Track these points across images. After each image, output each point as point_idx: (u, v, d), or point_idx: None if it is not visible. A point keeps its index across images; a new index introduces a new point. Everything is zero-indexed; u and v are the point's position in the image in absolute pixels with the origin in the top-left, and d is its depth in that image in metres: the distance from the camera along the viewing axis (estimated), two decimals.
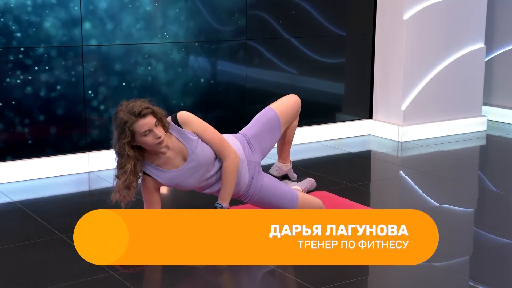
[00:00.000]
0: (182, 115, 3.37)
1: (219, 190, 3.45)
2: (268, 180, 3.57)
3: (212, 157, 3.39)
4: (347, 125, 5.83)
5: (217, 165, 3.41)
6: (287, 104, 3.79)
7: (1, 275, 3.10)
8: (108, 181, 4.53)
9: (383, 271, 3.20)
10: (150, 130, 3.18)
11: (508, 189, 4.47)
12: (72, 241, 3.43)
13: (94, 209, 4.01)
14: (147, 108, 3.19)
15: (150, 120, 3.18)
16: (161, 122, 3.24)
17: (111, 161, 4.74)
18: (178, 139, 3.33)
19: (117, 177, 3.26)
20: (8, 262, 3.23)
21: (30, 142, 4.54)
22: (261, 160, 3.64)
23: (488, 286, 2.97)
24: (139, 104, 3.20)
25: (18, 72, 4.43)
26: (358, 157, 5.28)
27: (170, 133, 3.33)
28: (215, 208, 3.41)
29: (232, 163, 3.39)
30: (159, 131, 3.21)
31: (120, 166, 3.25)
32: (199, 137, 3.37)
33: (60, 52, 4.53)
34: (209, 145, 3.38)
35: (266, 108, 3.75)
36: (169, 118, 3.36)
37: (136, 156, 3.25)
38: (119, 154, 3.25)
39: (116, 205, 3.38)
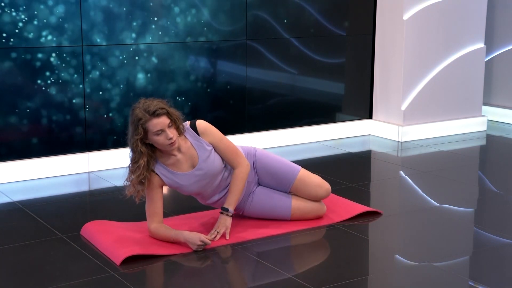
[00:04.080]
0: (202, 124, 3.44)
1: (216, 202, 3.55)
2: (258, 194, 3.63)
3: (219, 170, 3.46)
4: (347, 125, 5.83)
5: (218, 179, 3.47)
6: (313, 184, 3.63)
7: (1, 275, 3.10)
8: (108, 181, 4.53)
9: (383, 271, 3.20)
10: (163, 130, 3.24)
11: (508, 189, 4.47)
12: (72, 241, 3.44)
13: (94, 209, 4.03)
14: (162, 108, 3.25)
15: (163, 120, 3.23)
16: (175, 124, 3.29)
17: (111, 161, 4.76)
18: (193, 146, 3.39)
19: (131, 171, 3.32)
20: (8, 262, 3.23)
21: (30, 142, 4.54)
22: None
23: (488, 286, 2.97)
24: (155, 103, 3.26)
25: (18, 72, 4.43)
26: (358, 157, 5.28)
27: (186, 138, 3.38)
28: (221, 211, 3.45)
29: (243, 170, 3.47)
30: (172, 132, 3.26)
31: (134, 161, 3.31)
32: (213, 147, 3.44)
33: (60, 52, 4.53)
34: (223, 154, 3.45)
35: (297, 166, 3.67)
36: (187, 123, 3.42)
37: (149, 152, 3.31)
38: (132, 150, 3.32)
39: (127, 203, 3.39)
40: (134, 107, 3.28)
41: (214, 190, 3.50)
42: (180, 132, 3.34)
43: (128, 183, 3.33)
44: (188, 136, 3.40)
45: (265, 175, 3.64)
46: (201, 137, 3.42)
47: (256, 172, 3.64)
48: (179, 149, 3.36)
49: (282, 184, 3.63)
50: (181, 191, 3.48)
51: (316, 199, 3.66)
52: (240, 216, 3.70)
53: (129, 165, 3.34)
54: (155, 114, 3.22)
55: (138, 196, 3.35)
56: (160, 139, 3.25)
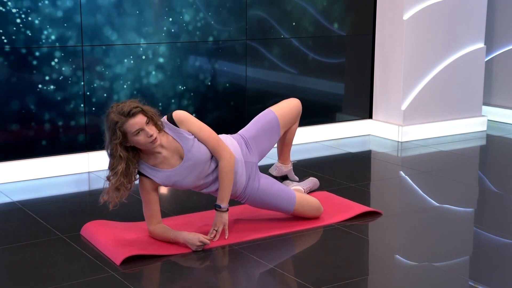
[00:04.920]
0: (178, 114, 3.37)
1: (216, 190, 3.46)
2: (265, 181, 3.58)
3: (208, 156, 3.39)
4: (347, 125, 5.83)
5: (213, 165, 3.42)
6: (288, 107, 3.80)
7: (1, 275, 3.10)
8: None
9: (383, 271, 3.20)
10: (141, 129, 3.18)
11: (508, 189, 4.47)
12: (72, 241, 3.44)
13: (94, 209, 4.03)
14: (137, 107, 3.19)
15: (140, 119, 3.18)
16: (152, 120, 3.24)
17: None
18: (174, 138, 3.34)
19: (108, 178, 3.27)
20: (8, 262, 3.23)
21: (30, 142, 4.54)
22: (259, 161, 3.64)
23: (488, 286, 2.97)
24: (128, 104, 3.20)
25: (18, 72, 4.43)
26: (358, 157, 5.28)
27: (166, 133, 3.33)
28: (215, 208, 3.43)
29: (227, 164, 3.39)
30: (151, 129, 3.21)
31: (111, 167, 3.26)
32: (195, 136, 3.37)
33: (60, 52, 4.53)
34: (204, 144, 3.38)
35: (266, 110, 3.77)
36: (164, 118, 3.37)
37: (129, 157, 3.25)
38: (111, 155, 3.26)
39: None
40: (108, 113, 3.22)
41: (210, 178, 3.43)
42: (159, 128, 3.27)
43: (104, 189, 3.27)
44: (167, 130, 3.33)
45: (259, 138, 3.63)
46: (180, 127, 3.35)
47: (256, 148, 3.60)
48: (162, 146, 3.30)
49: (273, 129, 3.68)
50: (178, 187, 3.43)
51: (297, 118, 3.83)
52: (239, 213, 3.69)
53: (107, 173, 3.28)
54: (130, 114, 3.16)
55: (112, 203, 3.28)
56: (140, 139, 3.19)
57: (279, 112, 3.75)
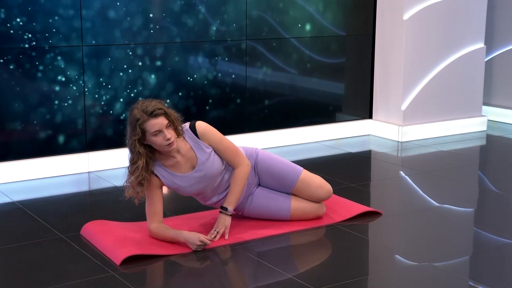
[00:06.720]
0: (201, 125, 3.42)
1: (216, 202, 3.54)
2: (257, 194, 3.63)
3: (219, 172, 3.45)
4: (347, 125, 5.83)
5: (218, 180, 3.47)
6: (314, 184, 3.62)
7: (1, 275, 3.10)
8: (108, 181, 4.53)
9: (383, 271, 3.20)
10: (160, 131, 3.23)
11: (508, 189, 4.47)
12: (72, 241, 3.44)
13: (94, 209, 4.03)
14: (160, 109, 3.25)
15: (161, 121, 3.23)
16: (173, 124, 3.29)
17: (111, 161, 4.76)
18: (192, 148, 3.39)
19: (130, 172, 3.32)
20: (8, 262, 3.23)
21: (30, 142, 4.54)
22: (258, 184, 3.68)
23: (488, 286, 2.97)
24: (154, 104, 3.26)
25: (18, 72, 4.43)
26: (358, 157, 5.28)
27: (186, 140, 3.38)
28: (220, 210, 3.45)
29: (244, 170, 3.46)
30: (170, 133, 3.25)
31: (132, 162, 3.31)
32: (213, 149, 3.43)
33: (60, 52, 4.53)
34: (222, 154, 3.44)
35: (300, 168, 3.66)
36: (186, 124, 3.42)
37: (148, 153, 3.30)
38: (131, 150, 3.32)
39: (127, 203, 3.39)
40: (133, 108, 3.28)
41: (214, 191, 3.50)
42: (178, 133, 3.33)
43: (128, 184, 3.32)
44: (187, 138, 3.39)
45: (267, 177, 3.63)
46: (200, 139, 3.41)
47: (257, 173, 3.63)
48: (178, 151, 3.35)
49: (284, 185, 3.63)
50: (180, 192, 3.48)
51: (318, 200, 3.66)
52: (239, 216, 3.70)
53: (128, 166, 3.33)
54: (153, 114, 3.21)
55: (137, 197, 3.35)
56: (158, 140, 3.24)
57: (303, 181, 3.60)
